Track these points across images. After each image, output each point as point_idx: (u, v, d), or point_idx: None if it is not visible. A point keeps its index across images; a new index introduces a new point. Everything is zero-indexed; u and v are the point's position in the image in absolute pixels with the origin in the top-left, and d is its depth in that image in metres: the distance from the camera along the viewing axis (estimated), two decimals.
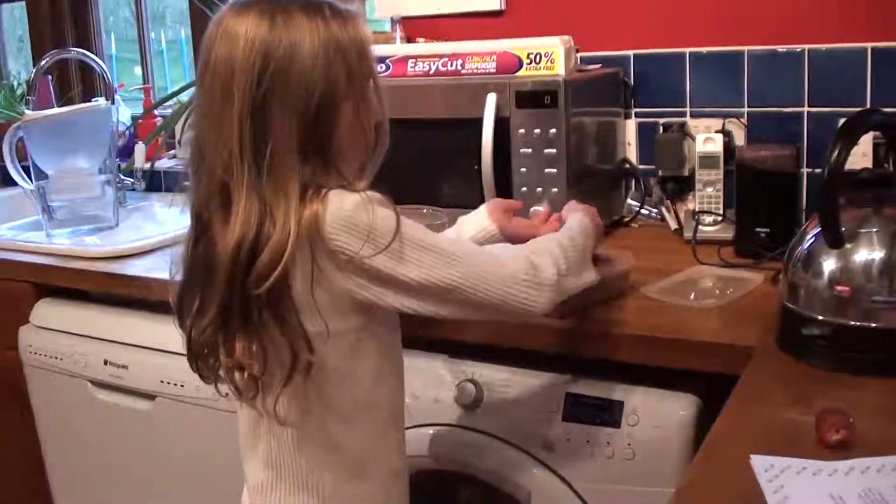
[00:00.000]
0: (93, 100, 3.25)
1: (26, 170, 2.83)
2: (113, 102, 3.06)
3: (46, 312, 2.43)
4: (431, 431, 1.77)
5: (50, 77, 3.44)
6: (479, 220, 1.67)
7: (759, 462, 1.07)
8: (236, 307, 1.27)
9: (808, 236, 1.43)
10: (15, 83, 3.87)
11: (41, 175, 2.76)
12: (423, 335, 1.76)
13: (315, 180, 1.28)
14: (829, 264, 1.38)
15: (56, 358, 2.34)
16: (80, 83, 3.67)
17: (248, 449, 1.47)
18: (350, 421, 1.40)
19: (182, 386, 2.09)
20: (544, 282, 1.36)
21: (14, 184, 2.94)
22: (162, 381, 2.13)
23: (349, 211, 1.26)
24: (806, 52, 2.16)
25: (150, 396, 2.18)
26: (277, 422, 1.35)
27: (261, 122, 1.25)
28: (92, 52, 3.37)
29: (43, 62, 2.96)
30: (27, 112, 2.83)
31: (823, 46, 2.13)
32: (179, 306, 1.37)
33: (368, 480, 1.44)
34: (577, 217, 1.60)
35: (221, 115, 1.26)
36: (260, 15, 1.27)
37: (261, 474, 1.44)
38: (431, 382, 1.78)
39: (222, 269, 1.26)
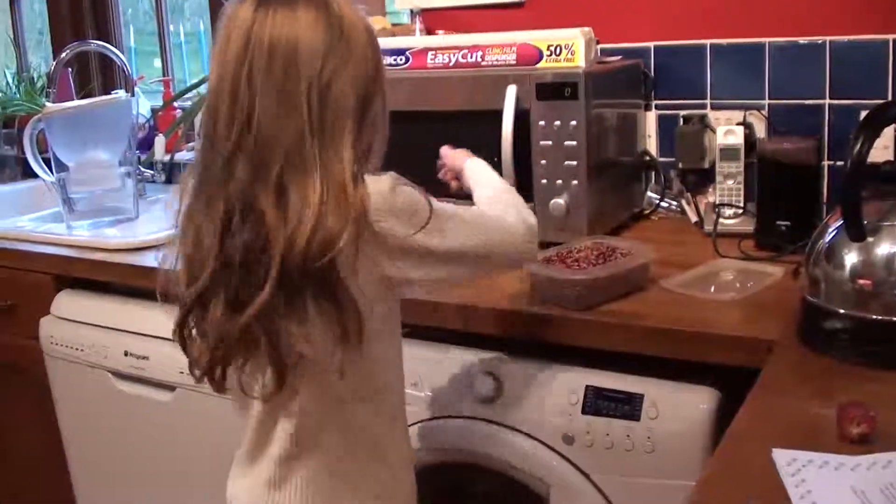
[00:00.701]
0: (113, 92, 3.26)
1: (47, 162, 2.84)
2: (133, 94, 3.07)
3: (67, 304, 2.44)
4: (450, 423, 1.77)
5: (70, 69, 3.45)
6: None
7: (781, 456, 1.07)
8: (288, 291, 1.25)
9: (830, 229, 1.43)
10: (35, 76, 3.89)
11: (61, 167, 2.77)
12: (442, 327, 1.76)
13: (358, 166, 1.28)
14: (851, 258, 1.38)
15: (77, 349, 2.36)
16: (99, 76, 3.69)
17: (256, 452, 1.45)
18: (373, 403, 1.42)
19: None
20: (534, 233, 1.51)
21: (35, 176, 2.95)
22: (182, 372, 2.11)
23: (388, 194, 1.29)
24: (827, 44, 2.14)
25: (170, 387, 2.19)
26: (298, 412, 1.36)
27: (324, 96, 1.26)
28: (111, 45, 3.38)
29: (63, 55, 2.98)
30: (48, 104, 2.84)
31: (845, 38, 2.12)
32: (198, 302, 1.31)
33: (388, 464, 1.46)
34: (478, 163, 1.73)
35: (282, 97, 1.25)
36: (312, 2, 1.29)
37: (272, 471, 1.42)
38: (450, 374, 1.78)
39: (278, 254, 1.22)
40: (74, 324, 2.39)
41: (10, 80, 3.95)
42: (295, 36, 1.26)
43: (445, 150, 1.81)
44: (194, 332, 1.36)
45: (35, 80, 3.86)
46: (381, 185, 1.29)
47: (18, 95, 3.81)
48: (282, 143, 1.24)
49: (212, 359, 1.33)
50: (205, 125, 1.32)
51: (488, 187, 1.62)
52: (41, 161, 2.87)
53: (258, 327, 1.27)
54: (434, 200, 1.35)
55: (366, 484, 1.44)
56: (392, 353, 1.46)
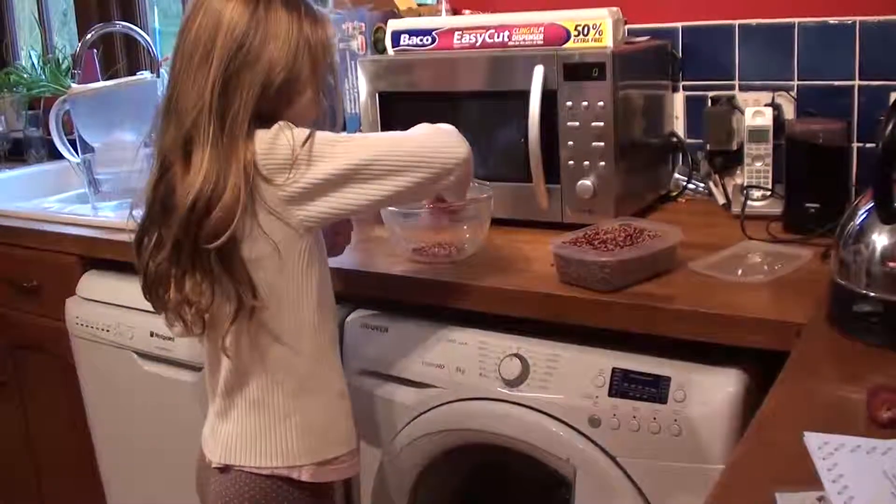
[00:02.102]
0: (138, 73, 3.26)
1: (72, 143, 2.85)
2: (158, 76, 3.07)
3: (93, 284, 2.45)
4: (477, 406, 1.77)
5: (95, 51, 3.45)
6: None
7: (812, 439, 1.06)
8: (188, 250, 1.46)
9: (860, 212, 1.41)
10: (60, 57, 3.90)
11: (87, 148, 2.78)
12: (470, 309, 1.76)
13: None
14: (882, 240, 1.36)
15: (102, 329, 2.37)
16: (124, 57, 3.69)
17: (210, 378, 1.66)
18: (296, 344, 1.57)
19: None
20: (444, 128, 1.60)
21: (60, 157, 2.96)
22: None
23: (271, 137, 1.45)
24: (857, 24, 2.12)
25: (195, 368, 2.20)
26: (226, 355, 1.55)
27: (230, 88, 1.44)
28: (136, 26, 3.38)
29: (88, 36, 2.98)
30: (73, 86, 2.85)
31: (875, 18, 2.10)
32: (139, 240, 1.56)
33: (315, 396, 1.61)
34: None
35: (197, 75, 1.44)
36: (244, 1, 1.46)
37: (220, 401, 1.63)
38: (477, 357, 1.77)
39: (178, 214, 1.44)
40: (100, 304, 2.40)
41: (35, 62, 3.96)
42: (216, 26, 1.44)
43: None
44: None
45: (60, 61, 3.87)
46: (265, 132, 1.45)
47: (44, 77, 3.83)
48: (189, 115, 1.44)
49: (144, 283, 1.57)
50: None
51: None
52: (67, 142, 2.88)
53: (170, 270, 1.50)
54: (327, 133, 1.50)
55: (294, 416, 1.59)
56: (311, 298, 1.56)
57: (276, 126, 1.46)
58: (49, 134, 2.92)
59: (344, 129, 2.53)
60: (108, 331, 2.35)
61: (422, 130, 1.60)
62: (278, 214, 1.46)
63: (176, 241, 1.46)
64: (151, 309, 1.62)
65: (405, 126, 1.62)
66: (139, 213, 1.56)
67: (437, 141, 1.57)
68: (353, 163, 1.48)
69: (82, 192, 2.83)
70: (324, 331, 1.61)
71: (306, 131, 1.47)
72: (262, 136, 1.45)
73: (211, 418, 1.67)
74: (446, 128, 1.61)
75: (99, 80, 3.18)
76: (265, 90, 1.45)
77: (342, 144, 1.50)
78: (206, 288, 1.49)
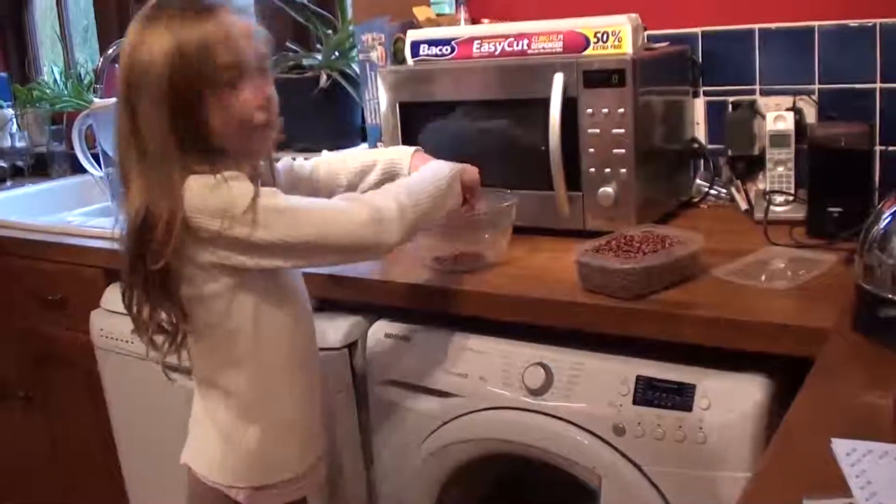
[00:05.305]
0: None
1: (95, 157, 2.87)
2: None
3: (117, 297, 2.42)
4: (500, 415, 1.76)
5: (116, 65, 3.46)
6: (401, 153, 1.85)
7: (840, 446, 1.05)
8: (139, 279, 1.50)
9: (885, 215, 1.40)
10: (82, 72, 3.93)
11: (110, 162, 2.79)
12: (493, 318, 1.76)
13: (197, 166, 1.46)
14: None
15: (127, 341, 2.37)
16: None
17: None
18: (237, 368, 1.60)
19: None
20: (386, 216, 1.53)
21: (83, 171, 2.98)
22: None
23: (202, 193, 1.44)
24: (878, 27, 2.11)
25: None
26: (166, 374, 1.65)
27: (133, 113, 1.45)
28: None
29: (110, 51, 2.99)
30: (95, 100, 2.86)
31: None
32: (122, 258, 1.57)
33: (257, 424, 1.62)
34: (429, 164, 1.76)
35: (118, 103, 1.49)
36: (140, 19, 1.48)
37: (189, 425, 1.72)
38: (500, 365, 1.77)
39: (123, 244, 1.50)
40: (125, 317, 2.38)
41: (57, 77, 3.99)
42: (125, 51, 1.48)
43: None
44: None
45: (82, 76, 3.90)
46: (197, 185, 1.44)
47: (66, 92, 3.85)
48: (119, 142, 1.48)
49: (126, 305, 1.59)
50: None
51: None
52: (90, 156, 2.90)
53: (131, 290, 1.55)
54: (270, 195, 1.48)
55: (236, 439, 1.62)
56: (252, 322, 1.57)
57: (212, 179, 1.45)
58: (72, 148, 2.94)
59: (364, 139, 2.54)
60: (132, 343, 2.36)
61: (358, 212, 1.53)
62: (204, 254, 1.49)
63: (127, 273, 1.53)
64: None
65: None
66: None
67: (370, 228, 1.53)
68: (289, 241, 1.47)
69: (105, 206, 2.85)
70: (271, 364, 1.63)
71: (249, 190, 1.45)
72: (196, 184, 1.44)
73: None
74: (386, 209, 1.55)
75: None
76: (170, 106, 1.43)
77: (283, 217, 1.48)
78: (156, 314, 1.55)
